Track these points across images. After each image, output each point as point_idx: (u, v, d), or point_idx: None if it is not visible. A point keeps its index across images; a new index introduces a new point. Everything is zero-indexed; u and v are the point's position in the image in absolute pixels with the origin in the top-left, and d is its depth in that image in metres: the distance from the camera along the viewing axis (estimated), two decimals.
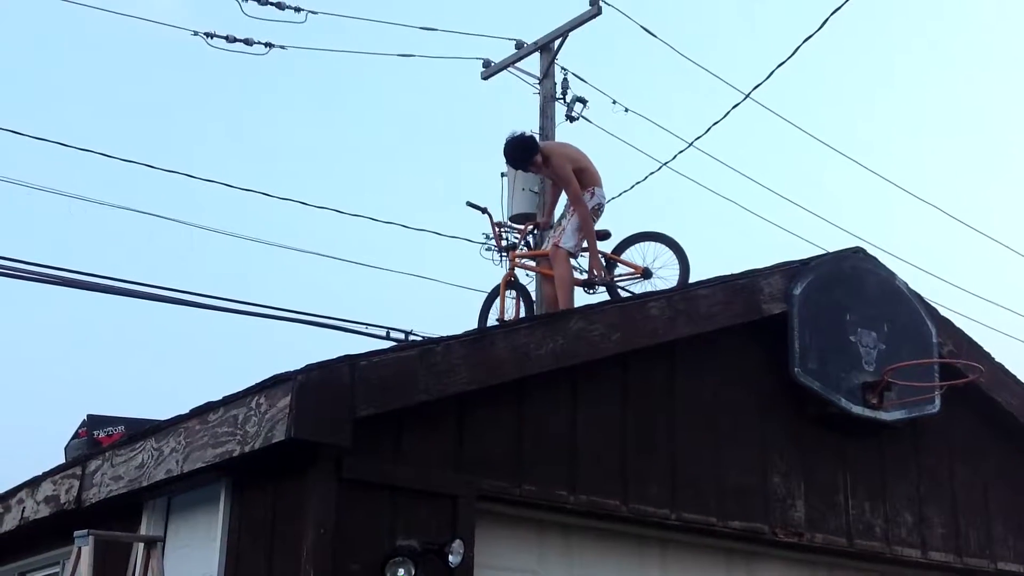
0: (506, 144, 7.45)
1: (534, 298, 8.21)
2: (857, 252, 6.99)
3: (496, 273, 7.71)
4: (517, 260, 7.75)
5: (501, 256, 7.87)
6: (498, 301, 7.49)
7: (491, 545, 5.09)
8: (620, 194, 11.84)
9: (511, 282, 7.54)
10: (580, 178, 7.26)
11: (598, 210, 7.28)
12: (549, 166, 7.40)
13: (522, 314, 7.49)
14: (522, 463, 5.23)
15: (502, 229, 8.70)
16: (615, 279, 7.39)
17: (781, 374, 6.34)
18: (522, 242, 8.71)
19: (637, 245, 7.46)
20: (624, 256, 7.46)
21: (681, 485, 5.78)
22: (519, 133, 7.48)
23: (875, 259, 7.05)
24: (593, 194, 7.24)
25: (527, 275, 8.42)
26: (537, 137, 8.16)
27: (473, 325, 7.43)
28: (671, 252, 7.26)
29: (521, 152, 7.43)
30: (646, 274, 7.32)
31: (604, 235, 7.50)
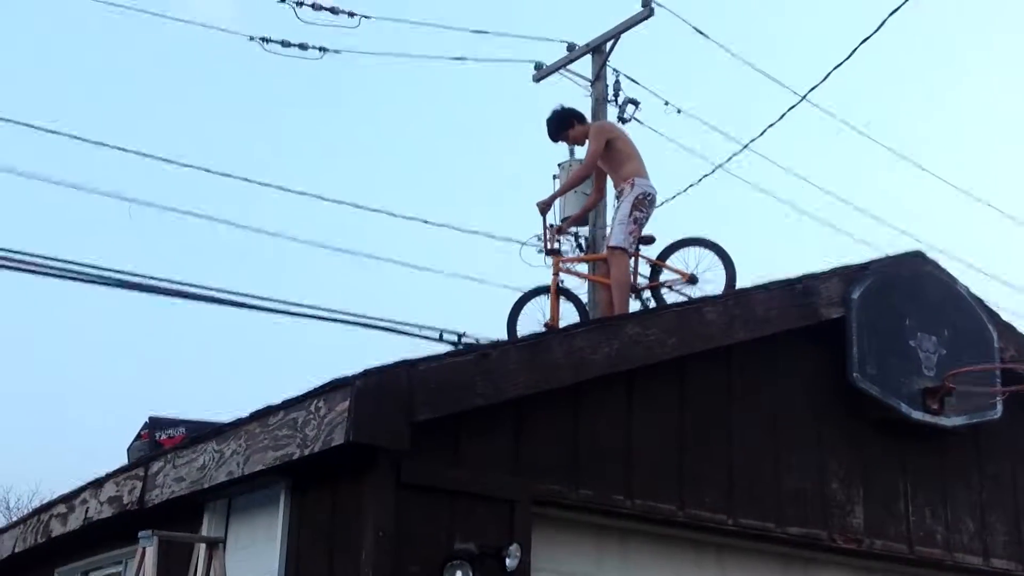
0: (547, 120, 7.60)
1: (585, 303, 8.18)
2: (917, 256, 6.90)
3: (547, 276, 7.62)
4: (561, 265, 7.66)
5: (549, 258, 7.77)
6: (526, 307, 7.45)
7: (548, 549, 5.10)
8: (674, 196, 11.77)
9: (560, 288, 7.49)
10: (619, 160, 7.23)
11: (644, 199, 7.15)
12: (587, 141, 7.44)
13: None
14: (578, 467, 5.24)
15: (553, 232, 8.67)
16: (661, 285, 7.36)
17: (839, 378, 6.28)
18: (572, 245, 8.63)
19: (682, 251, 7.42)
20: (669, 262, 7.42)
21: (738, 490, 5.75)
22: (559, 107, 7.59)
23: (935, 263, 6.96)
24: (633, 184, 7.14)
25: (580, 281, 8.38)
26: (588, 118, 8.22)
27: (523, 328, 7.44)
28: (716, 257, 7.20)
29: (555, 126, 7.60)
30: (692, 280, 7.26)
31: (649, 240, 7.45)
